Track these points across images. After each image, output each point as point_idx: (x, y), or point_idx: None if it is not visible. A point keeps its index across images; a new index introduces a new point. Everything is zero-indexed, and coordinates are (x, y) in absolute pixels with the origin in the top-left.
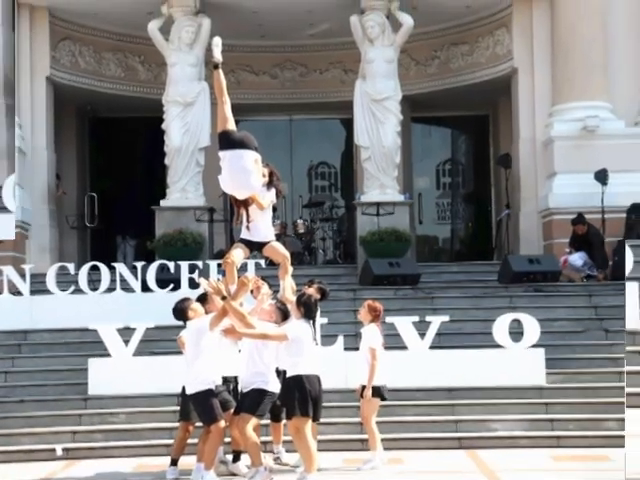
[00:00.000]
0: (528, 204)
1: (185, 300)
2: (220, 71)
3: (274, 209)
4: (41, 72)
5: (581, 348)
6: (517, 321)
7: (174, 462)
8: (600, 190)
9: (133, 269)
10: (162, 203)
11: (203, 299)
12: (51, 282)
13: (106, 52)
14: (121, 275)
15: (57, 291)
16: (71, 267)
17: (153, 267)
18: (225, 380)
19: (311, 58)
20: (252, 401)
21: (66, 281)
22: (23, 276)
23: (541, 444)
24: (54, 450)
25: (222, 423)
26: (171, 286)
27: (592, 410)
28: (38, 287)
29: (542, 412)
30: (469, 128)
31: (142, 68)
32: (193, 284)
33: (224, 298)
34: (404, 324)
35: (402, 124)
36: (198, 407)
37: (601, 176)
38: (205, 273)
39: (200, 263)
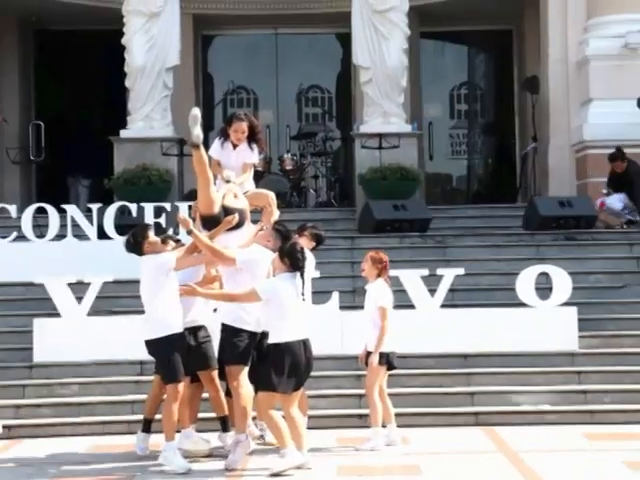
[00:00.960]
0: (559, 136)
1: (143, 229)
2: (202, 149)
3: None
4: None
5: (620, 307)
6: (545, 275)
7: (146, 425)
8: None
9: (87, 212)
10: (122, 134)
11: (163, 242)
12: None
13: None
14: (73, 219)
15: None
16: (13, 209)
17: (111, 210)
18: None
19: None
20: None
21: (7, 226)
22: None
23: (572, 420)
24: None
25: (180, 386)
26: None
27: (632, 380)
28: None
29: (574, 382)
30: (489, 45)
31: None
32: (159, 229)
33: (190, 232)
34: (411, 278)
35: (409, 40)
36: (157, 357)
37: None
38: (173, 216)
39: (168, 205)
